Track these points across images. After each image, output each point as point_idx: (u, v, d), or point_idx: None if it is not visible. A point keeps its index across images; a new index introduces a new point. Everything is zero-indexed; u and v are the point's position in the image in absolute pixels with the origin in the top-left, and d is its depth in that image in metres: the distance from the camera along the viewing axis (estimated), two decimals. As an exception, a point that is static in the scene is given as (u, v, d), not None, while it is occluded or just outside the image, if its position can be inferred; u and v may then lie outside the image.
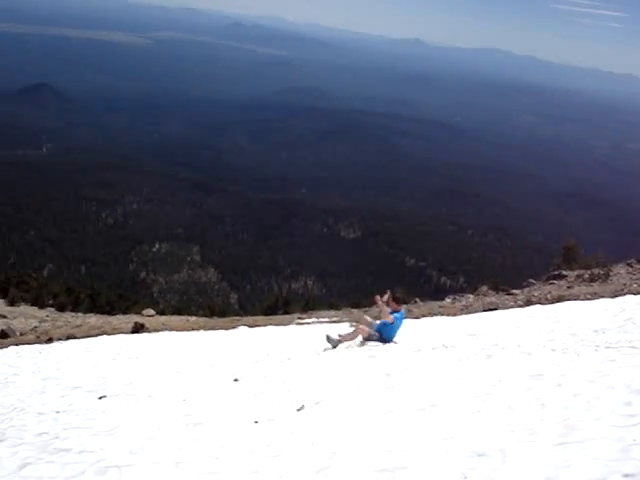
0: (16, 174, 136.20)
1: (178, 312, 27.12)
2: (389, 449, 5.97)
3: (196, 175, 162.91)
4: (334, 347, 12.42)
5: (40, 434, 8.21)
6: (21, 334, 17.88)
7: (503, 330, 12.57)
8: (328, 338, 12.60)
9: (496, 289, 21.05)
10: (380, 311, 12.48)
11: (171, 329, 18.60)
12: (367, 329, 12.47)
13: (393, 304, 12.44)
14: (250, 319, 21.01)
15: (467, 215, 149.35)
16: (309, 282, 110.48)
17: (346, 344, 12.41)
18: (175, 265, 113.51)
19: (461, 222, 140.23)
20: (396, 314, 12.34)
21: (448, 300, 20.65)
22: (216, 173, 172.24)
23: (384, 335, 12.39)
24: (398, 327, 12.48)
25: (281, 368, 11.12)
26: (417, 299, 21.59)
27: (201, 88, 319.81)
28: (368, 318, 12.99)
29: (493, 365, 9.10)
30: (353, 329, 12.80)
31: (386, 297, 12.59)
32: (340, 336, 12.62)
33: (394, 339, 12.41)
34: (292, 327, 17.56)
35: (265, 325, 18.24)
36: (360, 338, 12.47)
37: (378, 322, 12.51)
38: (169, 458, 6.69)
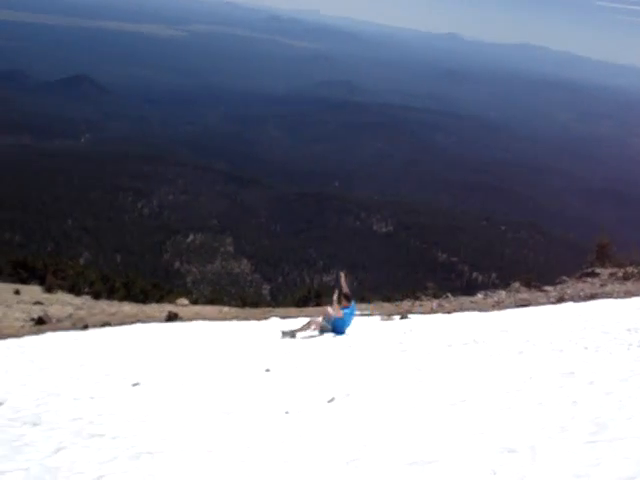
0: (55, 164, 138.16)
1: (211, 302, 27.26)
2: (419, 443, 6.00)
3: (231, 167, 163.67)
4: (292, 337, 13.74)
5: (75, 419, 8.34)
6: (57, 321, 18.10)
7: (535, 327, 12.49)
8: (282, 333, 13.96)
9: (528, 285, 20.87)
10: (333, 307, 13.92)
11: (204, 318, 18.75)
12: (320, 322, 13.92)
13: (344, 301, 14.04)
14: (282, 310, 21.08)
15: (500, 211, 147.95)
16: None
17: (302, 334, 13.81)
18: (209, 256, 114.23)
19: (494, 218, 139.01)
20: (346, 310, 13.86)
21: (480, 295, 20.51)
22: (250, 166, 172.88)
23: (337, 328, 13.78)
24: (349, 321, 13.91)
25: (312, 360, 11.18)
26: (449, 294, 21.49)
27: (237, 81, 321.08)
28: (320, 319, 14.27)
29: (524, 361, 9.07)
30: (307, 321, 14.27)
31: (335, 296, 14.19)
32: (295, 329, 14.02)
33: (346, 331, 13.78)
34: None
35: (297, 317, 18.30)
36: (314, 330, 13.96)
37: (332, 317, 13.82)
38: (201, 445, 6.78)
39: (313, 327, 13.94)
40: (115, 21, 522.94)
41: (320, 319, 14.08)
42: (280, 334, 13.95)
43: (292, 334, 13.78)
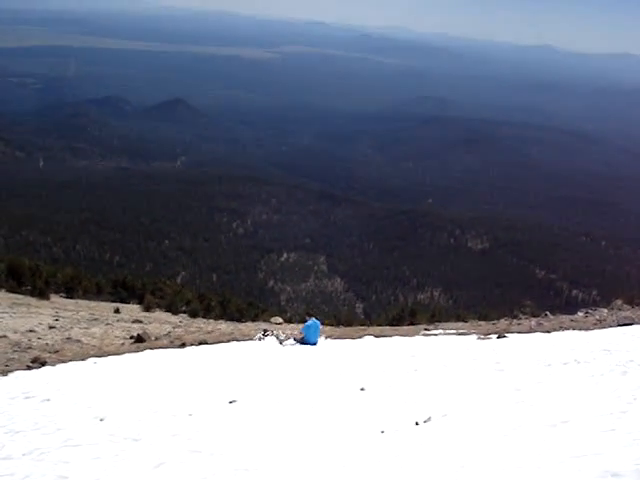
0: (153, 186, 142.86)
1: (305, 321, 27.48)
2: (518, 465, 5.87)
3: (323, 186, 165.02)
4: (281, 343, 16.97)
5: (173, 435, 8.56)
6: (156, 339, 18.57)
7: (639, 346, 12.04)
8: (278, 338, 17.44)
9: (631, 303, 20.15)
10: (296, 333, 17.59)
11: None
12: (301, 334, 17.08)
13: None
14: (376, 329, 21.03)
15: (600, 226, 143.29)
16: (435, 293, 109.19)
17: (289, 342, 17.00)
18: (302, 274, 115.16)
19: (594, 233, 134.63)
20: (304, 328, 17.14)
21: (580, 314, 19.93)
22: (343, 184, 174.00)
23: (305, 339, 16.83)
24: (313, 333, 16.85)
25: (407, 379, 11.11)
26: (547, 312, 20.98)
27: (329, 100, 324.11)
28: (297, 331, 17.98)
29: (629, 382, 8.76)
30: (296, 332, 17.78)
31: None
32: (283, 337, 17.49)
33: (314, 341, 16.80)
34: (418, 338, 17.46)
35: (391, 335, 18.21)
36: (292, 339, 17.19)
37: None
38: (295, 463, 6.83)
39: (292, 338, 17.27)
40: (210, 46, 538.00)
41: (299, 333, 17.46)
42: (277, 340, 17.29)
43: (280, 341, 17.13)
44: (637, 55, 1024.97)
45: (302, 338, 16.92)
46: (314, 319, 17.40)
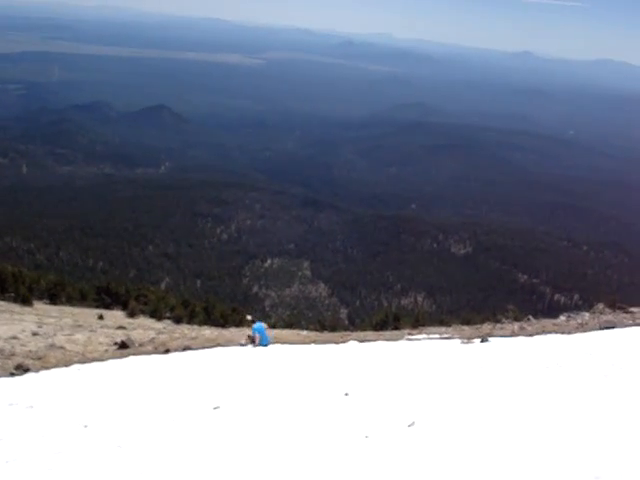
0: (136, 192, 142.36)
1: (289, 326, 27.53)
2: (503, 468, 5.92)
3: (307, 192, 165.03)
4: (243, 346, 18.09)
5: (157, 441, 8.57)
6: (140, 345, 18.57)
7: (621, 349, 12.16)
8: (240, 344, 18.45)
9: (613, 307, 20.31)
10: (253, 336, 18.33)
11: (283, 342, 18.95)
12: (258, 338, 17.96)
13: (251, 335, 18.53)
14: (360, 334, 21.09)
15: (582, 231, 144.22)
16: (419, 298, 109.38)
17: (249, 346, 17.97)
18: (286, 280, 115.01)
19: (575, 238, 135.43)
20: (255, 329, 18.25)
21: (563, 318, 20.05)
22: (326, 190, 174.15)
23: (262, 342, 17.99)
24: (265, 336, 18.24)
25: (391, 383, 11.14)
26: (530, 317, 21.11)
27: (312, 106, 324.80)
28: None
29: (610, 385, 8.85)
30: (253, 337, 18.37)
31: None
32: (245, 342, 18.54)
33: (266, 342, 18.18)
34: (402, 343, 17.53)
35: (375, 340, 18.28)
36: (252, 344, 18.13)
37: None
38: (280, 469, 6.85)
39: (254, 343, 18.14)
40: (194, 52, 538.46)
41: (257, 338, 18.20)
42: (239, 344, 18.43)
43: (243, 345, 18.32)
44: (618, 61, 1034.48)
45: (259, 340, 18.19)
46: (259, 322, 19.07)
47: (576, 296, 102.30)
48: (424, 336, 18.96)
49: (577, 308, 26.04)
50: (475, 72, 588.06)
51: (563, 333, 16.36)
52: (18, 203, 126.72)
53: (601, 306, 20.70)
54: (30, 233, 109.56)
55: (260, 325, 18.53)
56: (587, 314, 19.96)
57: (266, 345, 17.99)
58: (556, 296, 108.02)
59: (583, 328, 17.15)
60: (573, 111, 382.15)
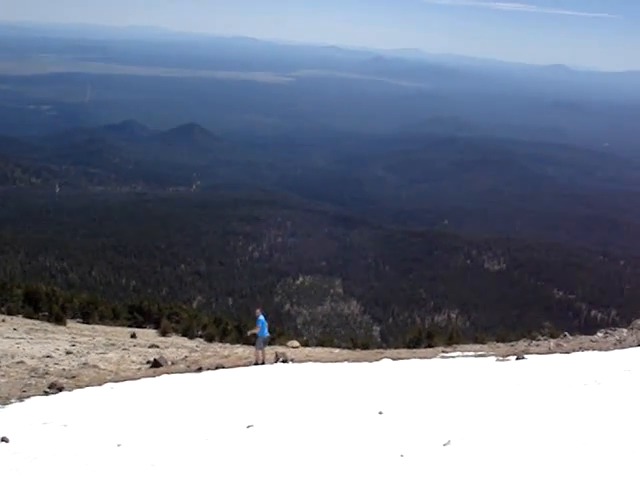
0: (168, 210, 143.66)
1: (321, 344, 27.39)
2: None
3: (338, 208, 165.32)
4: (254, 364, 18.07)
5: (190, 460, 8.54)
6: (172, 363, 18.59)
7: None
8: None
9: (652, 323, 19.94)
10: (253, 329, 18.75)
11: (315, 360, 18.83)
12: (259, 354, 18.23)
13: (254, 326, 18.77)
14: (393, 352, 20.92)
15: (618, 245, 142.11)
16: (452, 315, 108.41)
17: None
18: (318, 297, 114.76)
19: (612, 252, 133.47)
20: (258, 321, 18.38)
21: (600, 334, 19.72)
22: (358, 206, 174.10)
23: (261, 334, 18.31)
24: (264, 329, 18.35)
25: (426, 402, 11.01)
26: (566, 333, 20.80)
27: (343, 123, 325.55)
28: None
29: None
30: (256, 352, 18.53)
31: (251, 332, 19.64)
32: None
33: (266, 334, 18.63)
34: (436, 361, 17.35)
35: (409, 358, 18.11)
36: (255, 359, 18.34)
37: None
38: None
39: (260, 355, 18.30)
40: (224, 71, 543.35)
41: (259, 352, 18.32)
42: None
43: (253, 363, 18.27)
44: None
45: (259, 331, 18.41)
46: (262, 316, 18.93)
47: (613, 312, 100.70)
48: (458, 354, 18.75)
49: (614, 324, 25.60)
50: (507, 86, 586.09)
51: (600, 350, 16.09)
52: (51, 223, 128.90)
53: (639, 322, 20.33)
54: (63, 252, 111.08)
55: (263, 319, 18.62)
56: (625, 330, 19.62)
57: (264, 338, 18.43)
58: (593, 312, 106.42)
59: (621, 345, 16.86)
60: (607, 123, 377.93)
